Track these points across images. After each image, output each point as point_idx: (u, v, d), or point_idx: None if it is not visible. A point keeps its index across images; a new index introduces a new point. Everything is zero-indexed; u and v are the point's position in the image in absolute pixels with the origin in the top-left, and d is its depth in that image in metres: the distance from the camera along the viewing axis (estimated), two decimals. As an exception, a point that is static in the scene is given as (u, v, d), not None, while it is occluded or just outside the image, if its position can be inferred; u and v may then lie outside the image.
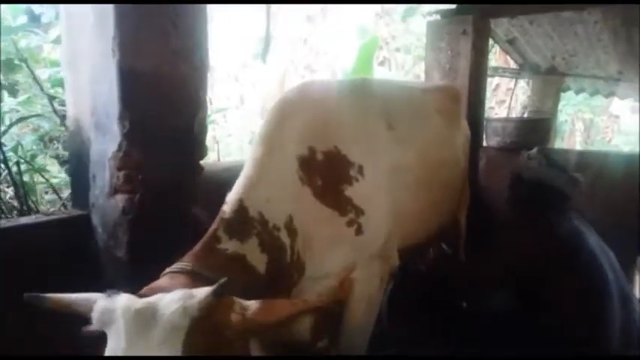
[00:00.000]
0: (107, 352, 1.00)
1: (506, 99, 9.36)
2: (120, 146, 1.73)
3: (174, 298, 1.01)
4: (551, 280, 1.91)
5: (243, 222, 1.39)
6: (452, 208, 2.50)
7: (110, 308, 1.00)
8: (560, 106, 8.89)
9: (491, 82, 9.58)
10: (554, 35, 4.71)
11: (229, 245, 1.32)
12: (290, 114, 1.70)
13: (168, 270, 1.20)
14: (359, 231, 1.69)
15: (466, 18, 3.68)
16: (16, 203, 2.68)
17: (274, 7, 5.15)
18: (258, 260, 1.36)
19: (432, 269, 2.83)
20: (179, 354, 0.96)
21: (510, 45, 5.28)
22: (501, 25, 4.70)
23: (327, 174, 1.67)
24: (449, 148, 2.43)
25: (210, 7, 2.07)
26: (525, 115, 6.58)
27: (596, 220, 2.32)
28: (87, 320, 1.03)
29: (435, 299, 2.65)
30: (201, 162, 2.01)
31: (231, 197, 1.45)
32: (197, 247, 1.30)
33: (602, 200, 3.13)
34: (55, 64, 3.18)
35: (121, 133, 1.72)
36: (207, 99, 2.08)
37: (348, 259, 1.70)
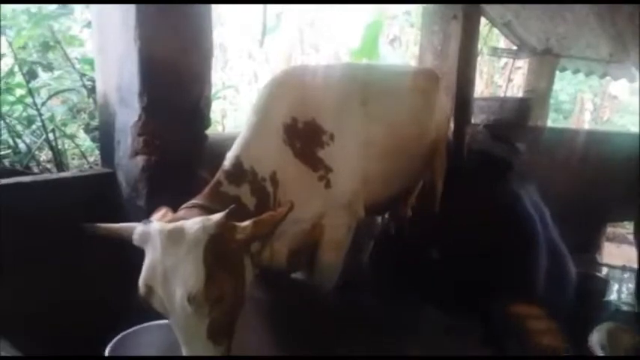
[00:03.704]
0: (146, 262, 1.28)
1: (514, 77, 9.54)
2: (140, 117, 2.08)
3: (196, 221, 1.31)
4: (490, 233, 2.31)
5: (238, 173, 1.77)
6: (419, 174, 2.84)
7: (147, 231, 1.29)
8: (561, 86, 9.10)
9: (495, 61, 9.77)
10: (544, 18, 4.90)
11: (228, 189, 1.70)
12: (278, 91, 2.10)
13: (184, 205, 1.56)
14: (328, 185, 2.09)
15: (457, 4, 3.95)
16: (49, 166, 3.13)
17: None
18: (249, 201, 1.74)
19: (409, 226, 3.21)
20: (200, 262, 1.24)
21: (506, 27, 5.51)
22: (496, 8, 4.93)
23: (305, 139, 2.06)
24: (419, 124, 2.72)
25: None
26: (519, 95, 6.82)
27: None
28: (130, 241, 1.32)
29: (414, 250, 3.04)
30: (207, 132, 2.36)
31: (231, 154, 1.84)
32: (205, 189, 1.68)
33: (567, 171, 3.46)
34: (82, 44, 3.58)
35: (141, 106, 2.06)
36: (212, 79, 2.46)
37: (318, 207, 2.11)
